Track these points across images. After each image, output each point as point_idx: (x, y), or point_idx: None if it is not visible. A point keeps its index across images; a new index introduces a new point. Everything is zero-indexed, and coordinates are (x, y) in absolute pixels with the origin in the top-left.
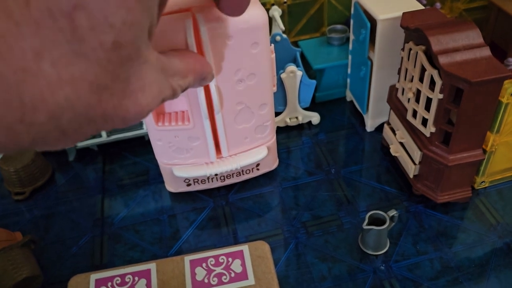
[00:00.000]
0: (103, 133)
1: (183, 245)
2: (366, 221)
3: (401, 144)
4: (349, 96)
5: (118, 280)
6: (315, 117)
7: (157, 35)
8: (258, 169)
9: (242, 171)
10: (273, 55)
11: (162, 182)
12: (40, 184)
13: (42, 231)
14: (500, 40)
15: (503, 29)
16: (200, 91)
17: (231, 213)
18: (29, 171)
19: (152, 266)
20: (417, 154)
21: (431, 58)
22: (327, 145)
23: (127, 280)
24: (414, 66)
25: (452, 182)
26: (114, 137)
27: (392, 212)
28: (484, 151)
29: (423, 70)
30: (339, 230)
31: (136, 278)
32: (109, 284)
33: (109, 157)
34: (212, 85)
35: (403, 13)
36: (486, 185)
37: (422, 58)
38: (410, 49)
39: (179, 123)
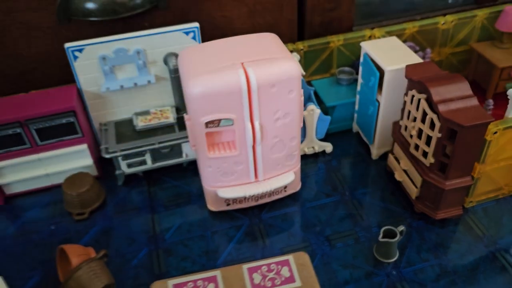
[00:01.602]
0: (149, 161)
1: (227, 257)
2: (381, 234)
3: (404, 171)
4: (356, 128)
5: (191, 284)
6: (328, 147)
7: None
8: (285, 191)
9: (273, 192)
10: (302, 98)
11: (202, 202)
12: (97, 206)
13: (103, 247)
14: (480, 79)
15: (483, 70)
16: (248, 127)
17: (265, 229)
18: (88, 195)
19: (217, 273)
20: (418, 180)
21: (431, 104)
22: (340, 170)
23: (198, 284)
24: (417, 110)
25: (447, 202)
26: (158, 164)
27: (401, 228)
28: (472, 178)
29: (424, 113)
30: (356, 242)
31: (206, 283)
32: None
33: (153, 182)
34: (257, 123)
35: (406, 66)
36: (474, 204)
37: (424, 105)
38: (413, 96)
39: (227, 151)
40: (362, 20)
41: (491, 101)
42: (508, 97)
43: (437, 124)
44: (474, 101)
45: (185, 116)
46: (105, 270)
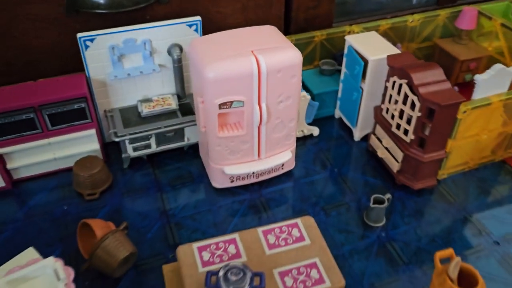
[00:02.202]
0: (153, 144)
1: (234, 227)
2: (372, 201)
3: (386, 148)
4: (338, 114)
5: (214, 246)
6: (315, 130)
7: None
8: (282, 168)
9: (272, 169)
10: (301, 84)
11: (205, 181)
12: (106, 186)
13: (117, 223)
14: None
15: (445, 63)
16: (256, 108)
17: (266, 202)
18: (98, 176)
19: (236, 235)
20: (400, 155)
21: (412, 88)
22: (327, 151)
23: (220, 246)
24: (398, 94)
25: (424, 174)
26: (161, 148)
27: (387, 195)
28: (445, 152)
29: (405, 96)
30: (348, 211)
31: (227, 245)
32: (208, 249)
33: (156, 164)
34: (264, 105)
35: (388, 56)
36: (445, 177)
37: (406, 89)
38: (394, 81)
39: (235, 131)
40: (340, 17)
41: (456, 88)
42: (475, 82)
43: (418, 105)
44: (448, 85)
45: (198, 99)
46: (128, 240)
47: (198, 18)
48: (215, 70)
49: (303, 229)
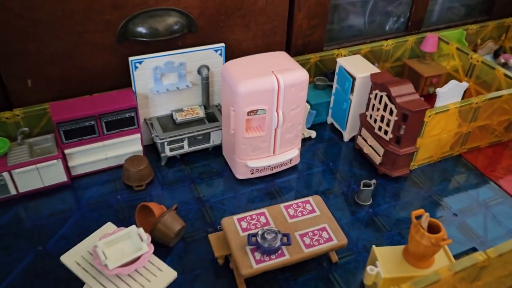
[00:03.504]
0: (185, 146)
1: (256, 208)
2: (362, 185)
3: (370, 146)
4: (330, 120)
5: (249, 217)
6: (313, 134)
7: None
8: (290, 162)
9: (283, 163)
10: (306, 95)
11: (228, 175)
12: (150, 180)
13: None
14: None
15: (412, 78)
16: (275, 115)
17: (279, 189)
18: (144, 171)
19: (264, 210)
20: (381, 150)
21: (390, 99)
22: (323, 150)
23: (253, 217)
24: (380, 103)
25: (400, 165)
26: (191, 148)
27: (373, 181)
28: (416, 147)
29: (385, 104)
30: (342, 194)
31: (258, 216)
32: (245, 220)
33: (187, 162)
34: (280, 112)
35: (371, 74)
36: (416, 167)
37: (386, 99)
38: (376, 94)
39: (257, 132)
40: (328, 42)
41: (422, 99)
42: (437, 94)
43: (395, 111)
44: (417, 96)
45: (230, 108)
46: (179, 217)
47: (222, 45)
48: (245, 86)
49: (314, 204)
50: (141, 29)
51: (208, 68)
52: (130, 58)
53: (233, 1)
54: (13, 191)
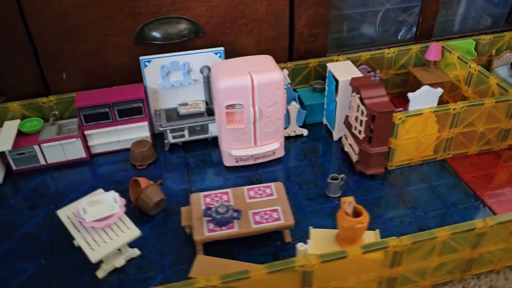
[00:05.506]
0: (186, 135)
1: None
2: (329, 178)
3: (350, 145)
4: (324, 121)
5: (214, 195)
6: (305, 132)
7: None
8: (274, 154)
9: (266, 154)
10: (285, 94)
11: (220, 163)
12: (152, 161)
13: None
14: None
15: (415, 85)
16: (251, 110)
17: (260, 178)
18: (147, 153)
19: (229, 190)
20: (357, 149)
21: (362, 100)
22: (311, 147)
23: (218, 195)
24: (356, 105)
25: (373, 163)
26: (192, 137)
27: (342, 175)
28: (389, 148)
29: (358, 106)
30: (316, 186)
31: (222, 194)
32: (210, 196)
33: (187, 150)
34: (256, 108)
35: (352, 78)
36: (394, 168)
37: (358, 101)
38: (353, 96)
39: (237, 125)
40: (335, 49)
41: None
42: (409, 98)
43: (365, 112)
44: (386, 99)
45: (214, 102)
46: (161, 191)
47: (222, 48)
48: (224, 83)
49: (274, 189)
50: (155, 34)
51: (209, 69)
52: (141, 58)
53: (236, 11)
54: (42, 162)
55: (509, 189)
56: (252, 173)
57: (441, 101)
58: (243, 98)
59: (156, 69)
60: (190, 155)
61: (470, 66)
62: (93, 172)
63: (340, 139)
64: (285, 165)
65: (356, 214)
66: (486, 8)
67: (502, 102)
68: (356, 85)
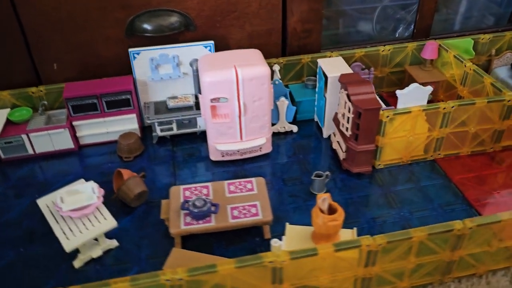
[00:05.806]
0: (174, 128)
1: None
2: (313, 175)
3: (338, 142)
4: (316, 118)
5: (193, 188)
6: (294, 128)
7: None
8: (260, 150)
9: (252, 150)
10: (272, 89)
11: (207, 157)
12: (138, 153)
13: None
14: None
15: (411, 83)
16: (236, 105)
17: (246, 173)
18: (133, 145)
19: (209, 184)
20: (344, 146)
21: (348, 97)
22: (300, 143)
23: (198, 188)
24: (344, 101)
25: (360, 161)
26: (180, 131)
27: (326, 173)
28: (377, 146)
29: (345, 102)
30: (301, 183)
31: (202, 188)
32: (189, 189)
33: (175, 143)
34: (242, 102)
35: (341, 74)
36: (382, 166)
37: (345, 97)
38: (341, 92)
39: (223, 119)
40: (330, 45)
41: (377, 99)
42: (397, 95)
43: (351, 109)
44: (373, 96)
45: (199, 95)
46: (143, 183)
47: (212, 42)
48: (209, 76)
49: (255, 184)
50: (146, 26)
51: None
52: (130, 50)
53: (227, 5)
54: (30, 151)
55: (499, 191)
56: (238, 168)
57: (438, 101)
58: (228, 92)
59: (145, 61)
60: (178, 148)
61: (465, 65)
62: (81, 163)
63: (330, 136)
64: (272, 161)
65: (332, 211)
66: (488, 7)
67: (495, 102)
68: (344, 82)
